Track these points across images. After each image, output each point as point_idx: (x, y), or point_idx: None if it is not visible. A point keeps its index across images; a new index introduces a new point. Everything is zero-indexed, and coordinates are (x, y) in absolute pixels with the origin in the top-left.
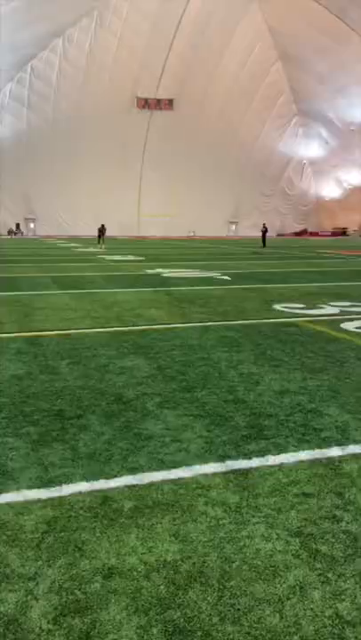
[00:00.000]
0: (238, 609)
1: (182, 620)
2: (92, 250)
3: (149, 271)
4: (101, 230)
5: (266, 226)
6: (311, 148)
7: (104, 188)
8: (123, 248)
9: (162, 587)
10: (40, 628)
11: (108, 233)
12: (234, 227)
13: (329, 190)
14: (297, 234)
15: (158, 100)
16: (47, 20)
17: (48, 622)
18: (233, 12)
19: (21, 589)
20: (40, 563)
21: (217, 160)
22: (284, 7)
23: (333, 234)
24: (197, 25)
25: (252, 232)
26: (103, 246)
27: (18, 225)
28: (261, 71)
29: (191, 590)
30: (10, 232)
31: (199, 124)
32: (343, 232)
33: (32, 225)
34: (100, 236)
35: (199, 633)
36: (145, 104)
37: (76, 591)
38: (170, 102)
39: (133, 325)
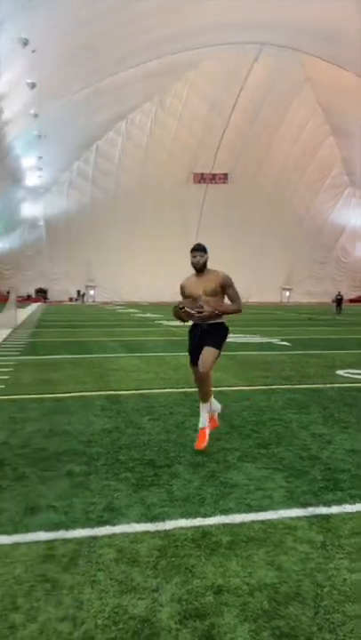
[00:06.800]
0: (333, 622)
1: (287, 628)
2: (149, 315)
3: None
4: None
5: (341, 293)
6: None
7: (161, 258)
8: None
9: (265, 602)
10: (170, 627)
11: (161, 298)
12: (288, 293)
13: None
14: (353, 300)
15: (214, 175)
16: (114, 106)
17: (175, 623)
18: (287, 92)
19: (148, 598)
20: (159, 579)
21: (270, 229)
22: (333, 87)
23: None
24: (253, 104)
25: (304, 298)
26: None
27: (80, 292)
28: (314, 145)
29: (291, 606)
30: (71, 299)
31: (253, 196)
32: None
33: (92, 292)
34: None
35: (302, 638)
36: (201, 179)
37: (193, 602)
38: (225, 176)
39: None
